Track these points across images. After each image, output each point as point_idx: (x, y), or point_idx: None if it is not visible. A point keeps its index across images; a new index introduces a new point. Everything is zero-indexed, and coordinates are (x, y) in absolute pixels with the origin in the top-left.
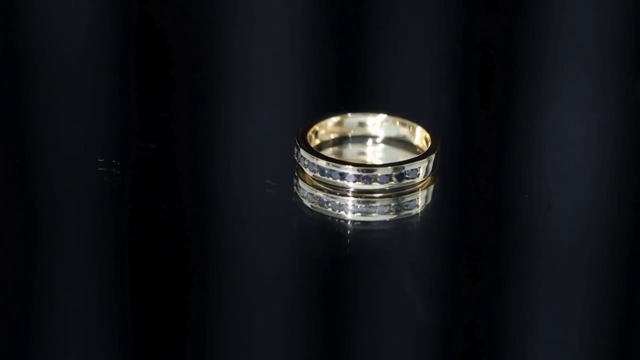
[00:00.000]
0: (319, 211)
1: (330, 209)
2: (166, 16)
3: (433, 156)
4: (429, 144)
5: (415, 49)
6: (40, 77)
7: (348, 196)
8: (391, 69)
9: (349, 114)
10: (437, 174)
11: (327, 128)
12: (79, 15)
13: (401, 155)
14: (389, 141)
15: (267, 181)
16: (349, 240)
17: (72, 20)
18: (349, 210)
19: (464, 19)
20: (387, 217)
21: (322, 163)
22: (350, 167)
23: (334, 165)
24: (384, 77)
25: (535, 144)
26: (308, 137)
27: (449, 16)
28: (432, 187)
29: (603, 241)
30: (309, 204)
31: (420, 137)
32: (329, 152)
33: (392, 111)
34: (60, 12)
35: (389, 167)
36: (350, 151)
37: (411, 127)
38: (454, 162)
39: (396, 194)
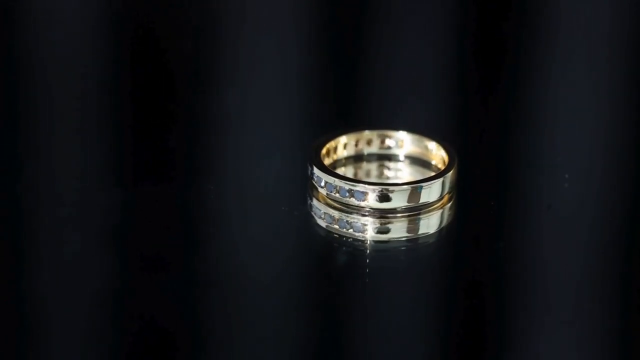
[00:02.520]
0: (333, 230)
1: (344, 228)
2: (170, 33)
3: (449, 175)
4: (446, 162)
5: (430, 65)
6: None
7: (363, 215)
8: (406, 84)
9: (365, 131)
10: (454, 193)
11: (342, 145)
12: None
13: (418, 173)
14: (407, 159)
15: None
16: (363, 260)
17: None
18: (364, 230)
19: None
20: (402, 237)
21: (336, 181)
22: (366, 185)
23: (347, 184)
24: (400, 92)
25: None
26: (322, 155)
27: (462, 31)
28: (446, 208)
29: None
30: (322, 223)
31: (438, 155)
32: (343, 170)
33: (409, 127)
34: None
35: (406, 186)
36: (366, 169)
37: (429, 145)
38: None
39: (412, 213)
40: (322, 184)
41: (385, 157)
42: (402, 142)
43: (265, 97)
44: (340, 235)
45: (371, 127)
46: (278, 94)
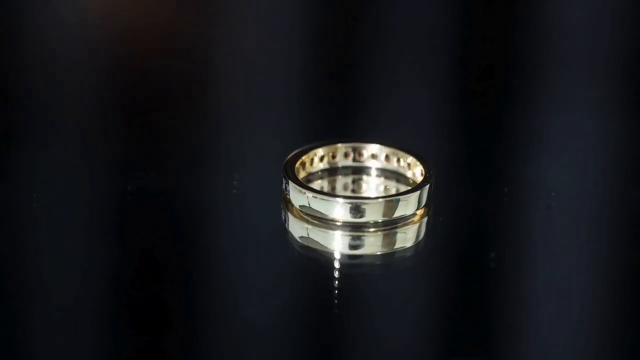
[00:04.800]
0: (307, 244)
1: (318, 243)
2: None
3: (426, 188)
4: (423, 175)
5: (409, 76)
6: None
7: (337, 229)
8: (385, 98)
9: (339, 144)
10: (431, 207)
11: (316, 159)
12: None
13: (394, 187)
14: (381, 172)
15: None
16: (338, 275)
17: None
18: (338, 244)
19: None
20: (377, 251)
21: (310, 195)
22: (339, 199)
23: (322, 198)
24: (376, 106)
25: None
26: (296, 169)
27: (445, 43)
28: (422, 222)
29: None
30: (297, 237)
31: (413, 168)
32: (317, 184)
33: (385, 140)
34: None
35: (380, 200)
36: (340, 183)
37: (404, 158)
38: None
39: (387, 227)
40: (295, 196)
41: (360, 170)
42: (377, 155)
43: (244, 107)
44: (313, 250)
45: (346, 139)
46: (256, 105)
